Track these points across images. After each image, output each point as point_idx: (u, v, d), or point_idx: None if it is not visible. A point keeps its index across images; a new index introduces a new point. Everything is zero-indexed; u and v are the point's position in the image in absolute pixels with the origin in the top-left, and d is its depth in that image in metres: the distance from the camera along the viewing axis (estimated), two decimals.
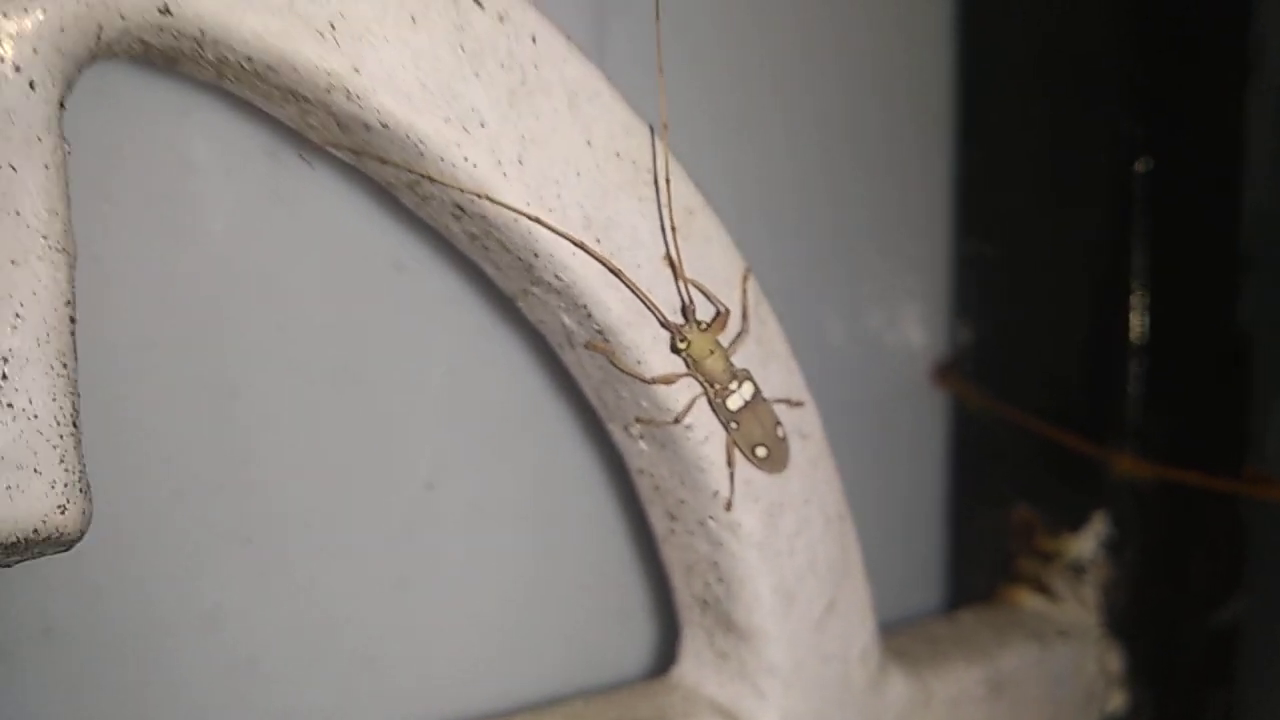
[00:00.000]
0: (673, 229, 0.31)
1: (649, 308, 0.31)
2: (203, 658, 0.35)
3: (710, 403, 0.32)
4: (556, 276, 0.30)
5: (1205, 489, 0.48)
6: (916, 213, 0.53)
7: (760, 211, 0.46)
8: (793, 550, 0.35)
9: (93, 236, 0.32)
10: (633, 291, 0.30)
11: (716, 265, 0.33)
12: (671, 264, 0.31)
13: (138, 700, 0.34)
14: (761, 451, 0.33)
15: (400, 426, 0.37)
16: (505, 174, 0.28)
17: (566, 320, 0.31)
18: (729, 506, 0.33)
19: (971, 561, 0.53)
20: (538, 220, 0.28)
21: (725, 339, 0.32)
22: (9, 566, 0.27)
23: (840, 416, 0.37)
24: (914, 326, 0.53)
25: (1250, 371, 0.52)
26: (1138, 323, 0.47)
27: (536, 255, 0.29)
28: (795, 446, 0.34)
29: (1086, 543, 0.48)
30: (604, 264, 0.29)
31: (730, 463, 0.33)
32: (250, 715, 0.35)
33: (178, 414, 0.34)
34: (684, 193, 0.32)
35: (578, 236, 0.29)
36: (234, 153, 0.33)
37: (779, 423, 0.34)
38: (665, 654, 0.39)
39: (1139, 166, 0.47)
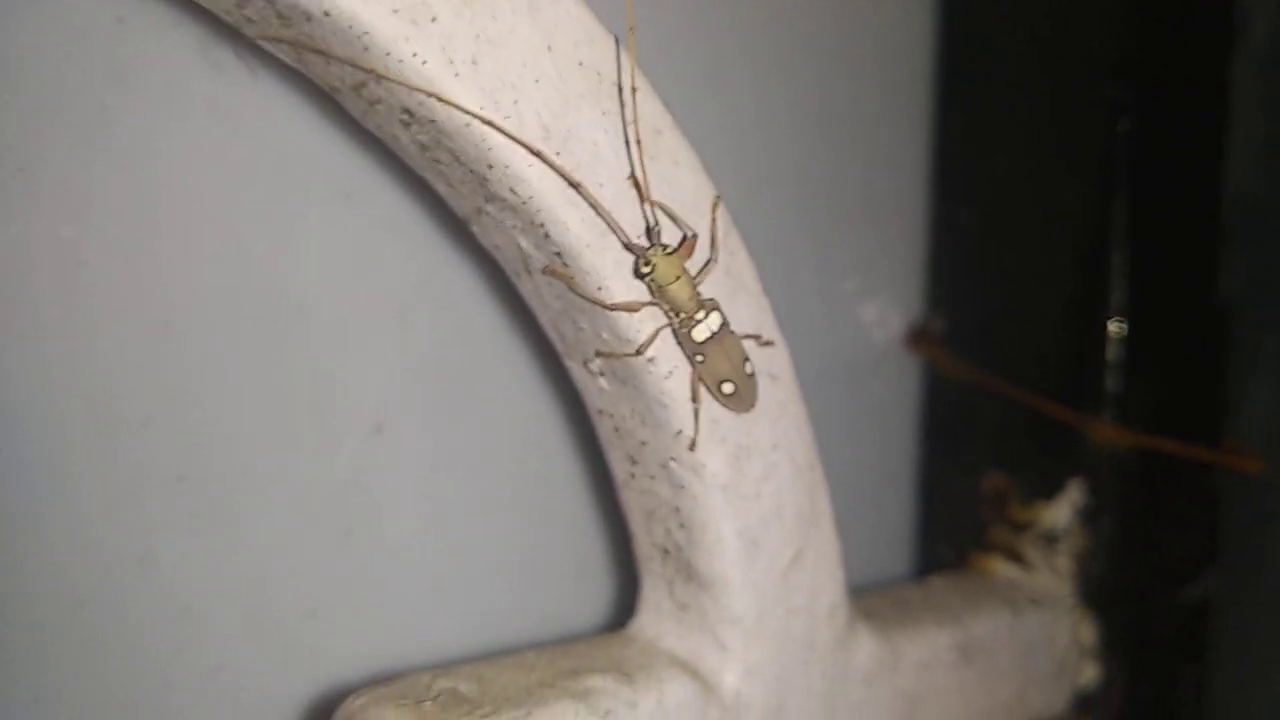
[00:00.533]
0: (638, 143, 0.29)
1: (611, 227, 0.29)
2: (134, 601, 0.33)
3: (675, 333, 0.31)
4: (512, 190, 0.28)
5: (1183, 459, 0.47)
6: (894, 177, 0.52)
7: (733, 173, 0.44)
8: (759, 495, 0.33)
9: (17, 148, 0.30)
10: (593, 207, 0.28)
11: (684, 189, 0.31)
12: (636, 183, 0.29)
13: (60, 646, 0.32)
14: (728, 388, 0.31)
15: (346, 363, 0.35)
16: (458, 74, 0.26)
17: (523, 243, 0.30)
18: (693, 446, 0.31)
19: (943, 529, 0.52)
20: (491, 124, 0.26)
21: (692, 267, 0.31)
22: None
23: (813, 381, 0.36)
24: (888, 291, 0.52)
25: (1229, 343, 0.51)
26: (1118, 290, 0.47)
27: (491, 167, 0.27)
28: (764, 387, 0.33)
29: (1061, 511, 0.48)
30: (564, 176, 0.28)
31: (695, 398, 0.31)
32: (182, 665, 0.33)
33: (106, 344, 0.32)
34: (651, 111, 0.30)
35: (535, 146, 0.27)
36: (169, 60, 0.31)
37: (747, 358, 0.32)
38: (624, 608, 0.37)
39: (1121, 132, 0.46)
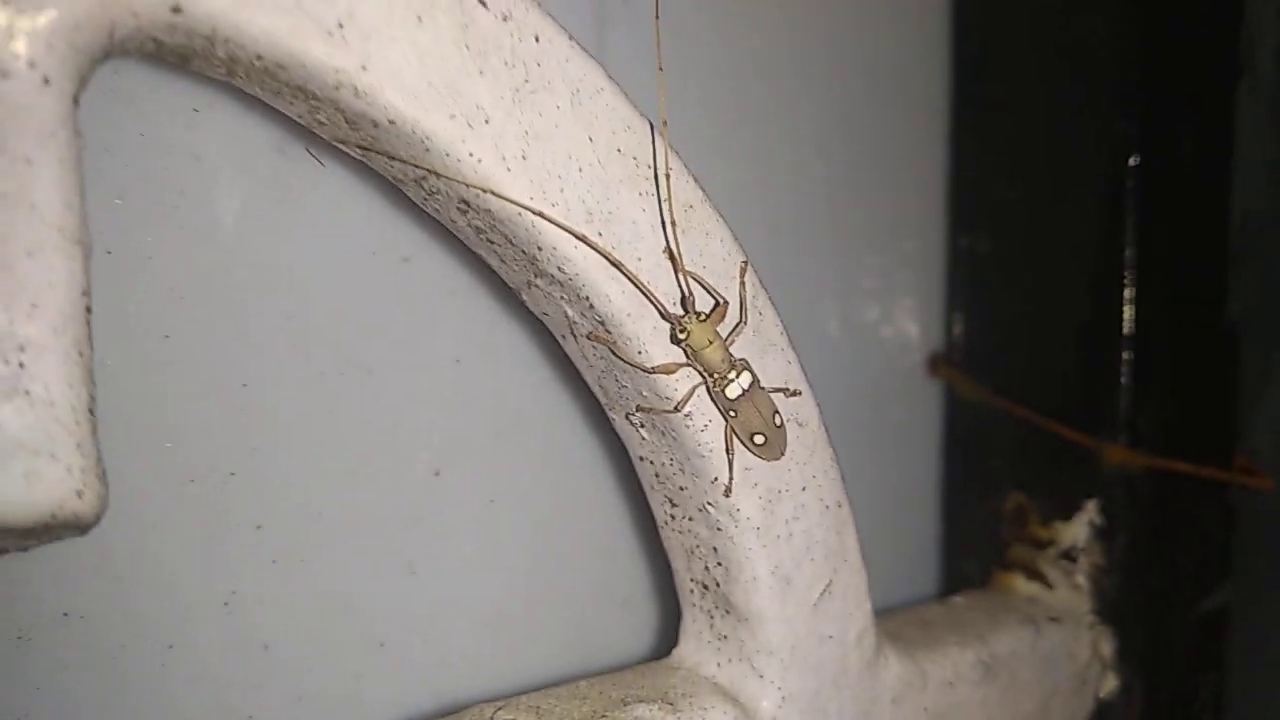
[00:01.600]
0: (673, 224, 0.32)
1: (649, 299, 0.31)
2: (218, 642, 0.35)
3: (709, 392, 0.33)
4: (559, 269, 0.31)
5: (1194, 478, 0.49)
6: (912, 207, 0.54)
7: (758, 207, 0.47)
8: (790, 535, 0.36)
9: (106, 231, 0.33)
10: (633, 283, 0.31)
11: (715, 258, 0.34)
12: (671, 257, 0.32)
13: (155, 683, 0.34)
14: (759, 439, 0.34)
15: (408, 415, 0.38)
16: (509, 169, 0.29)
17: (569, 311, 0.32)
18: (728, 493, 0.34)
19: (966, 549, 0.54)
20: (541, 214, 0.29)
21: (724, 330, 0.33)
22: (26, 550, 0.28)
23: (837, 408, 0.38)
24: (909, 319, 0.54)
25: (1238, 365, 0.53)
26: (1129, 316, 0.48)
27: (540, 249, 0.30)
28: (792, 434, 0.35)
29: (1078, 530, 0.49)
30: (605, 256, 0.30)
31: (729, 450, 0.34)
32: (264, 698, 0.36)
33: (191, 404, 0.34)
34: (684, 188, 0.33)
35: (580, 229, 0.30)
36: (244, 148, 0.34)
37: (777, 411, 0.35)
38: (667, 637, 0.39)
39: (1131, 163, 0.48)
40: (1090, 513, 0.49)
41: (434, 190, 0.30)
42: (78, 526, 0.24)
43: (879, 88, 0.52)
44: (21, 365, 0.23)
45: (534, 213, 0.29)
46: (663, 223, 0.32)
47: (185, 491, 0.35)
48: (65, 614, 0.33)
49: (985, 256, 0.54)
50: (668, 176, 0.32)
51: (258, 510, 0.36)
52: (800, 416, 0.36)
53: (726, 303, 0.33)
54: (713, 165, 0.35)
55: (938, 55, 0.54)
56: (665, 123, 0.31)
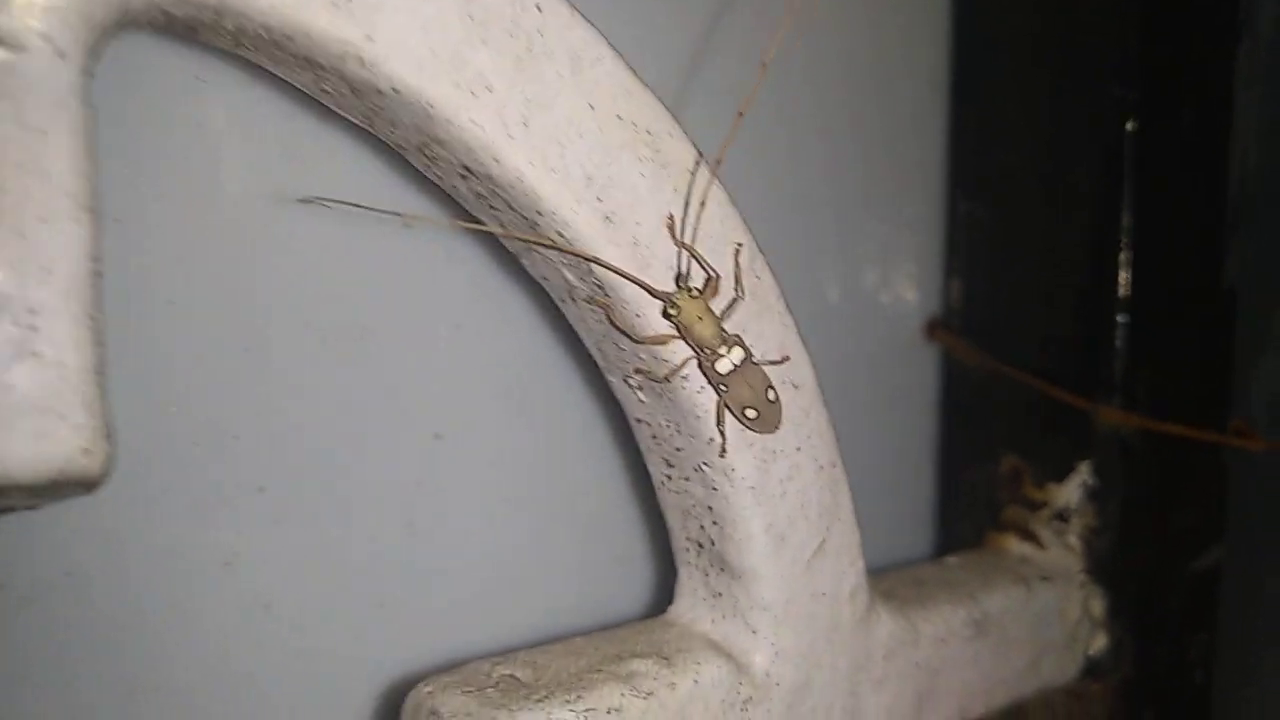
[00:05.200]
0: (701, 205, 0.32)
1: (634, 281, 0.32)
2: (220, 602, 0.36)
3: (700, 366, 0.34)
4: (559, 233, 0.31)
5: (1187, 440, 0.50)
6: (911, 172, 0.54)
7: (757, 173, 0.47)
8: (785, 494, 0.36)
9: (115, 200, 0.33)
10: (616, 273, 0.31)
11: (714, 229, 0.34)
12: (670, 229, 0.33)
13: (157, 643, 0.35)
14: (751, 414, 0.35)
15: (409, 380, 0.38)
16: (511, 136, 0.29)
17: (568, 275, 0.33)
18: (723, 453, 0.35)
19: (961, 511, 0.54)
20: (595, 257, 0.30)
21: (718, 304, 0.34)
22: (34, 508, 0.28)
23: (835, 371, 0.39)
24: (907, 284, 0.55)
25: (1234, 329, 0.53)
26: (1125, 279, 0.49)
27: (540, 214, 0.31)
28: (788, 396, 0.36)
29: (1071, 492, 0.50)
30: (580, 255, 0.31)
31: (720, 422, 0.34)
32: (266, 657, 0.37)
33: (194, 368, 0.35)
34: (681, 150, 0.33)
35: (577, 197, 0.30)
36: (251, 117, 0.35)
37: (770, 386, 0.35)
38: (663, 596, 0.40)
39: (1129, 128, 0.48)
40: (1083, 474, 0.50)
41: (436, 157, 0.30)
42: (84, 484, 0.25)
43: (879, 53, 0.52)
44: (33, 328, 0.23)
45: (589, 256, 0.30)
46: (685, 207, 0.32)
47: (188, 454, 0.35)
48: (69, 574, 0.34)
49: (983, 221, 0.54)
50: (702, 204, 0.32)
51: (260, 472, 0.36)
52: (796, 379, 0.37)
53: (719, 276, 0.34)
54: (710, 131, 0.35)
55: (938, 21, 0.55)
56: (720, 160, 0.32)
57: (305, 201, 0.34)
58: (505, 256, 0.36)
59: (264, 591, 0.37)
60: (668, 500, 0.38)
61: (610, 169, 0.31)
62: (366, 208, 0.32)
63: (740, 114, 0.33)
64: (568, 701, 0.33)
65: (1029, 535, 0.51)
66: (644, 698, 0.34)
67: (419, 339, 0.39)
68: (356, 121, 0.31)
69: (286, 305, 0.36)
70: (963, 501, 0.54)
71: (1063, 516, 0.50)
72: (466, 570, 0.40)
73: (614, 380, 0.36)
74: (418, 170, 0.33)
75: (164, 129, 0.33)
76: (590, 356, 0.37)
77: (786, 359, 0.36)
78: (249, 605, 0.37)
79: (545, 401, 0.41)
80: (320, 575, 0.38)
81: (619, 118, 0.31)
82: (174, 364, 0.35)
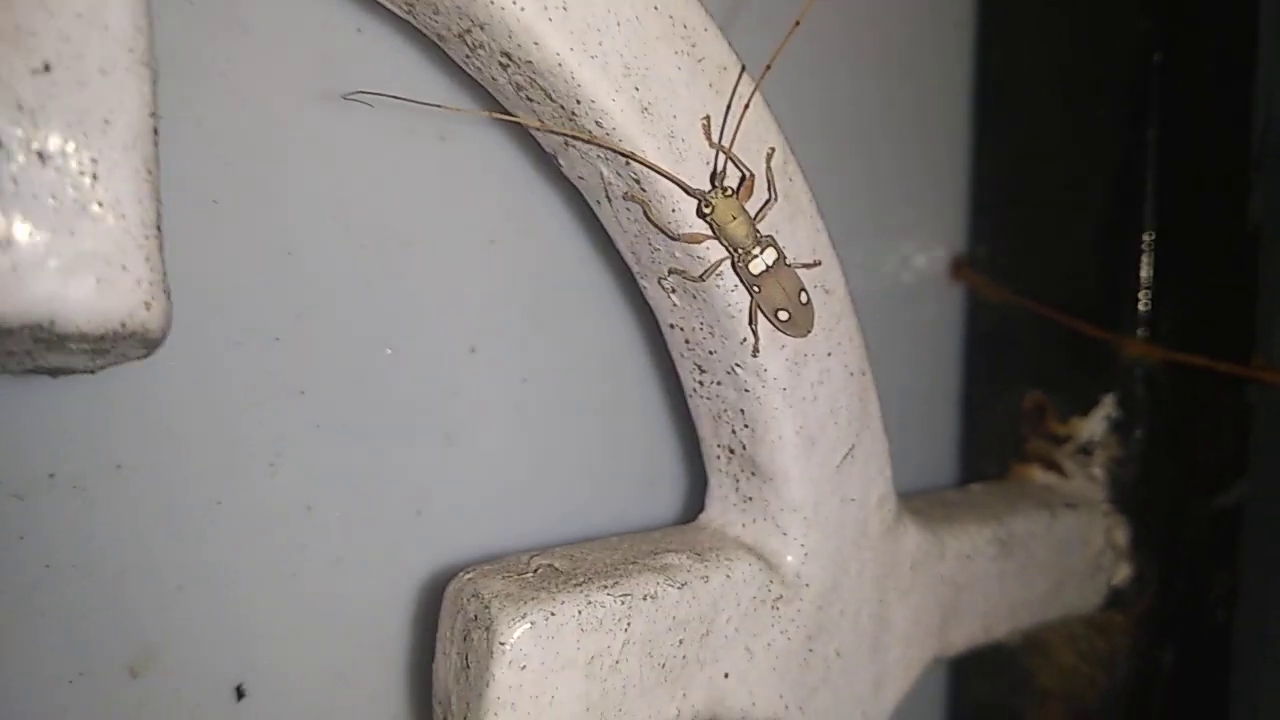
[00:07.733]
0: (744, 109, 0.33)
1: (672, 180, 0.32)
2: (262, 502, 0.37)
3: (734, 267, 0.34)
4: (597, 123, 0.32)
5: (1212, 375, 0.50)
6: (937, 111, 0.55)
7: (784, 112, 0.48)
8: (815, 397, 0.37)
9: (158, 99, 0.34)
10: (653, 169, 0.32)
11: (748, 129, 0.34)
12: (705, 130, 0.33)
13: (202, 537, 0.36)
14: (783, 315, 0.35)
15: (444, 292, 0.39)
16: (550, 19, 0.30)
17: (605, 171, 0.33)
18: (755, 352, 0.35)
19: (985, 445, 0.55)
20: (631, 152, 0.30)
21: (752, 205, 0.34)
22: (94, 371, 0.29)
23: (863, 308, 0.39)
24: (935, 222, 0.55)
25: (1257, 266, 0.53)
26: (1150, 212, 0.49)
27: (579, 103, 0.31)
28: (819, 300, 0.36)
29: (1095, 425, 0.50)
30: (616, 151, 0.31)
31: (753, 321, 0.35)
32: (307, 558, 0.38)
33: (236, 269, 0.36)
34: (719, 53, 0.34)
35: (615, 85, 0.31)
36: (286, 17, 0.35)
37: (803, 288, 0.35)
38: (694, 504, 0.41)
39: (1153, 62, 0.49)
40: (1108, 407, 0.50)
41: (477, 44, 0.31)
42: (145, 340, 0.25)
43: None
44: (95, 177, 0.24)
45: (637, 156, 0.30)
46: (728, 107, 0.33)
47: (231, 354, 0.36)
48: (119, 466, 0.34)
49: (1009, 159, 0.55)
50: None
51: (301, 375, 0.37)
52: (827, 284, 0.37)
53: (753, 175, 0.34)
54: (752, 41, 0.36)
55: None
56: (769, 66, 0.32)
57: (348, 97, 0.35)
58: (540, 168, 0.37)
59: (305, 493, 0.37)
60: (699, 407, 0.38)
61: (647, 59, 0.32)
62: (408, 100, 0.32)
63: (797, 22, 0.34)
64: (605, 587, 0.33)
65: (1053, 466, 0.51)
66: (679, 588, 0.35)
67: (454, 252, 0.39)
68: (398, 12, 0.32)
69: (326, 211, 0.37)
70: (987, 436, 0.55)
71: (1086, 449, 0.51)
72: (501, 481, 0.41)
73: (647, 285, 0.37)
74: (458, 68, 0.33)
75: (205, 27, 0.34)
76: (623, 269, 0.37)
77: (819, 263, 0.37)
78: (291, 506, 0.37)
79: (578, 313, 0.42)
80: (359, 481, 0.38)
81: (656, 8, 0.32)
82: (216, 263, 0.35)
